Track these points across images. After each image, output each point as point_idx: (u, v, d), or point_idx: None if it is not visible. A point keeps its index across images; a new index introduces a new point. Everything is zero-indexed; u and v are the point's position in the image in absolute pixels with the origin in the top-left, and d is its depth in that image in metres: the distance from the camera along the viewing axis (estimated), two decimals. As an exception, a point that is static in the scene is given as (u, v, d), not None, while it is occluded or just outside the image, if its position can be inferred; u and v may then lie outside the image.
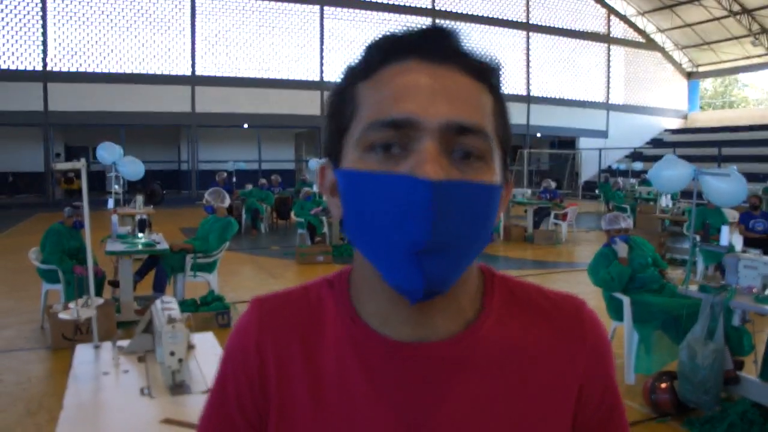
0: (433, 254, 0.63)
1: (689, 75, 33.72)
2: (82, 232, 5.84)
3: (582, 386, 0.78)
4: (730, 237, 6.09)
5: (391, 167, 0.65)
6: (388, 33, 0.71)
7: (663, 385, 4.04)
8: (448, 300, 0.72)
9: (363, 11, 24.39)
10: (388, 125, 0.65)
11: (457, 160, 0.66)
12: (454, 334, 0.75)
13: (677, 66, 33.28)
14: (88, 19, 20.55)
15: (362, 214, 0.67)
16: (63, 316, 3.08)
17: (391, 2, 24.85)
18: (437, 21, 24.98)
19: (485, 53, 0.71)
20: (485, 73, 0.70)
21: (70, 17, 20.34)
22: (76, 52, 20.45)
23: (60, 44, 20.22)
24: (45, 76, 19.91)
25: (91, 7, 20.56)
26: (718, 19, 28.35)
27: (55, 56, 20.15)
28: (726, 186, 4.54)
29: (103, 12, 20.70)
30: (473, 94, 0.68)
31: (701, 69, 33.37)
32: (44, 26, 19.90)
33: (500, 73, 0.73)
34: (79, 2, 20.39)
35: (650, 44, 31.92)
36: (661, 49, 32.37)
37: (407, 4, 25.25)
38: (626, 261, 4.79)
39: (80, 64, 20.53)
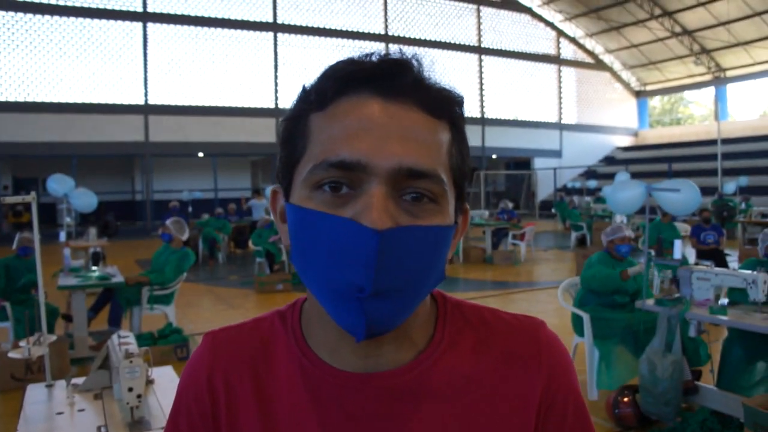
0: (376, 299, 0.62)
1: (638, 93, 34.78)
2: (30, 259, 5.65)
3: (541, 407, 0.77)
4: (683, 250, 6.23)
5: (339, 207, 0.64)
6: (344, 60, 0.69)
7: (625, 399, 4.09)
8: (398, 331, 0.70)
9: (316, 37, 24.50)
10: (337, 166, 0.64)
11: (408, 201, 0.65)
12: (404, 363, 0.74)
13: (626, 85, 34.30)
14: (36, 47, 20.10)
15: (308, 251, 0.66)
16: (13, 354, 2.96)
17: (344, 28, 25.04)
18: (390, 46, 25.25)
19: (445, 86, 0.70)
20: (444, 107, 0.69)
21: (17, 45, 19.86)
22: (23, 81, 19.94)
23: (6, 73, 19.69)
24: (-10, 107, 19.40)
25: (39, 35, 20.12)
26: (662, 39, 29.46)
27: (0, 85, 19.63)
28: (679, 196, 4.65)
29: (51, 40, 20.29)
30: (428, 134, 0.67)
31: (649, 87, 34.49)
32: (-11, 56, 19.41)
33: (461, 106, 0.72)
34: (26, 30, 19.94)
35: (599, 65, 32.86)
36: (610, 69, 33.35)
37: (360, 30, 25.47)
38: (628, 276, 4.73)
39: (28, 94, 20.02)
